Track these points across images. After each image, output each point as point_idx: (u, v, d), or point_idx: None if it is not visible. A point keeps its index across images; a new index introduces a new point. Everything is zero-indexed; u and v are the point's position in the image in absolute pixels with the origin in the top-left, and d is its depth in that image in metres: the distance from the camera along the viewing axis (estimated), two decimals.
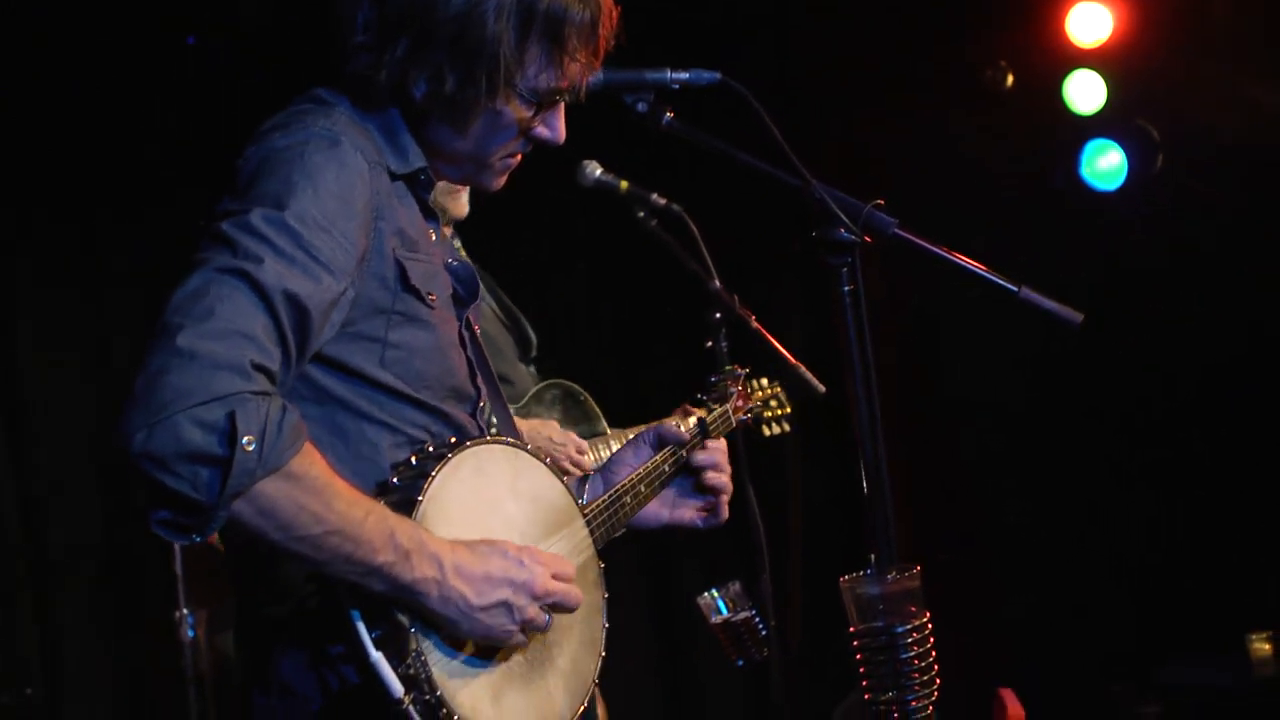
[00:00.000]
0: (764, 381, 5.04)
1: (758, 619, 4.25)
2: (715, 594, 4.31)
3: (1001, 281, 2.73)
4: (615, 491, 2.92)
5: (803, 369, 4.32)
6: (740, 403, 3.34)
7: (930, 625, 2.61)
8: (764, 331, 4.26)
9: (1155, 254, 6.92)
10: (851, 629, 2.65)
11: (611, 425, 4.85)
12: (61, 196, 5.55)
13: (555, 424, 4.47)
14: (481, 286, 4.58)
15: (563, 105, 2.67)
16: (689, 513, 3.10)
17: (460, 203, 4.31)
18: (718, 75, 2.74)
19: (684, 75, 2.74)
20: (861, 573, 2.64)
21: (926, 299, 7.25)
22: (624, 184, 4.32)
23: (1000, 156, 7.05)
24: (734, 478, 4.01)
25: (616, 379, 6.51)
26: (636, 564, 6.86)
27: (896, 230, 2.72)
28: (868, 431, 2.66)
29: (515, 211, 4.78)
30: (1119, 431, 7.25)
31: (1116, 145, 7.05)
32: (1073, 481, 7.25)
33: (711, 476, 3.10)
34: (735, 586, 4.30)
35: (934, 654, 2.61)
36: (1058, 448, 7.27)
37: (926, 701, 2.59)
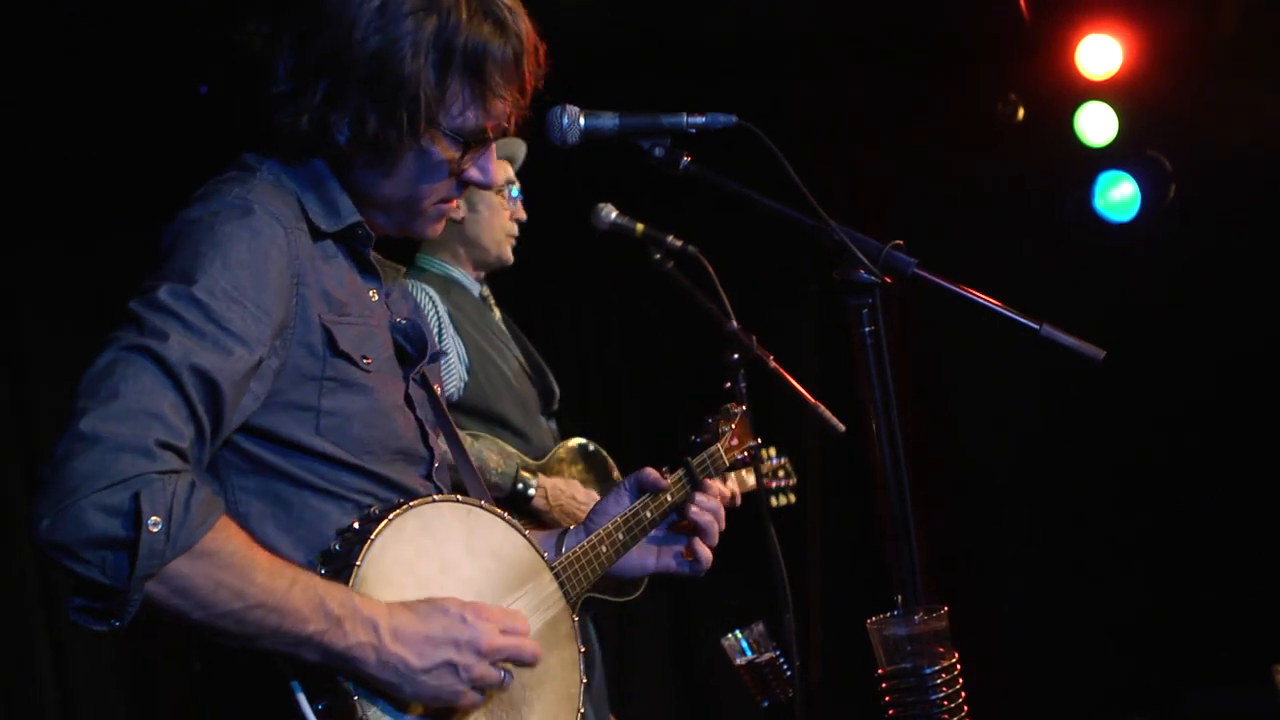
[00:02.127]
0: (772, 452, 5.06)
1: (782, 659, 4.22)
2: (739, 635, 4.29)
3: (1022, 319, 2.72)
4: (590, 541, 2.83)
5: (822, 408, 4.33)
6: (734, 441, 3.26)
7: (959, 665, 2.60)
8: (782, 371, 4.26)
9: (1171, 282, 6.90)
10: (880, 670, 2.63)
11: None
12: (80, 233, 5.54)
13: (578, 484, 4.45)
14: (503, 337, 4.66)
15: (493, 146, 2.63)
16: (672, 560, 3.01)
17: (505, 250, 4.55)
18: (734, 118, 2.72)
19: (700, 120, 2.72)
20: (888, 614, 2.62)
21: (938, 335, 7.25)
22: (639, 226, 4.33)
23: (1013, 190, 7.07)
24: (759, 519, 4.06)
25: (635, 427, 6.50)
26: (660, 610, 6.85)
27: (916, 270, 2.71)
28: (891, 472, 2.64)
29: (531, 258, 4.79)
30: (1139, 459, 7.22)
31: (1129, 176, 7.06)
32: (1090, 511, 7.23)
33: (696, 514, 3.00)
34: (759, 628, 4.28)
35: (963, 694, 2.59)
36: (1075, 476, 7.26)
37: None
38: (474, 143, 2.55)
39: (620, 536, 2.89)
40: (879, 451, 2.65)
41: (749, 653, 4.28)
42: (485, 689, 2.40)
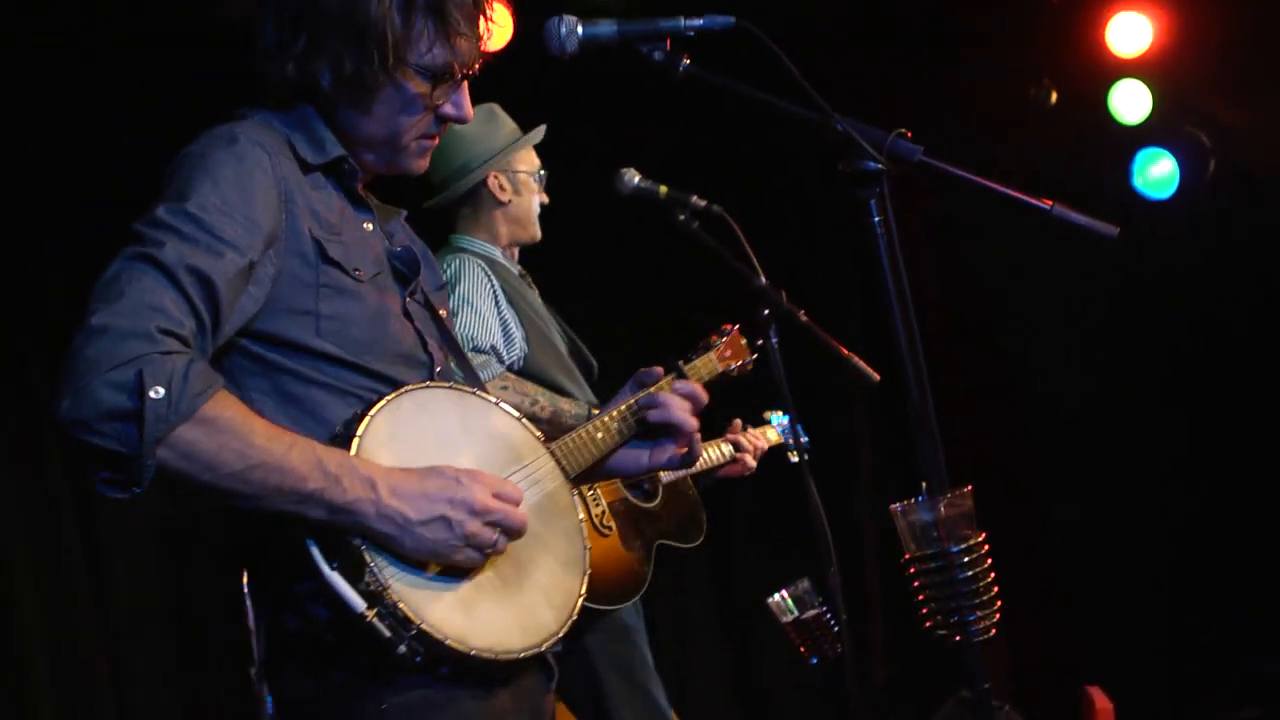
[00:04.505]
0: (778, 413, 5.15)
1: (828, 614, 4.19)
2: (784, 594, 4.27)
3: (1032, 201, 2.71)
4: (587, 427, 2.97)
5: (855, 359, 4.31)
6: (727, 353, 3.39)
7: (986, 545, 2.57)
8: (813, 325, 4.24)
9: (1215, 257, 6.85)
10: (906, 556, 2.61)
11: None
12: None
13: None
14: (535, 297, 4.74)
15: (466, 84, 2.83)
16: (664, 456, 3.06)
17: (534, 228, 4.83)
18: (732, 20, 2.73)
19: (698, 22, 2.74)
20: (913, 499, 2.60)
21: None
22: (663, 188, 4.33)
23: (1051, 173, 7.01)
24: (797, 472, 4.04)
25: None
26: (704, 575, 6.86)
27: (922, 157, 2.71)
28: (909, 360, 2.62)
29: (558, 231, 4.86)
30: (1199, 415, 7.16)
31: (1167, 153, 7.01)
32: (1150, 472, 7.17)
33: (667, 402, 3.00)
34: (804, 584, 4.26)
35: (992, 574, 2.56)
36: (1135, 436, 7.21)
37: (988, 622, 2.54)
38: (442, 78, 2.77)
39: (615, 425, 3.00)
40: (896, 339, 2.64)
41: (794, 610, 4.25)
42: (479, 548, 2.53)
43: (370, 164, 2.85)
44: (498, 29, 6.27)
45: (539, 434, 2.84)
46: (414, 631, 2.40)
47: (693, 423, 3.02)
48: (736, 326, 3.51)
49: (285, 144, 2.71)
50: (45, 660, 5.27)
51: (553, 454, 2.85)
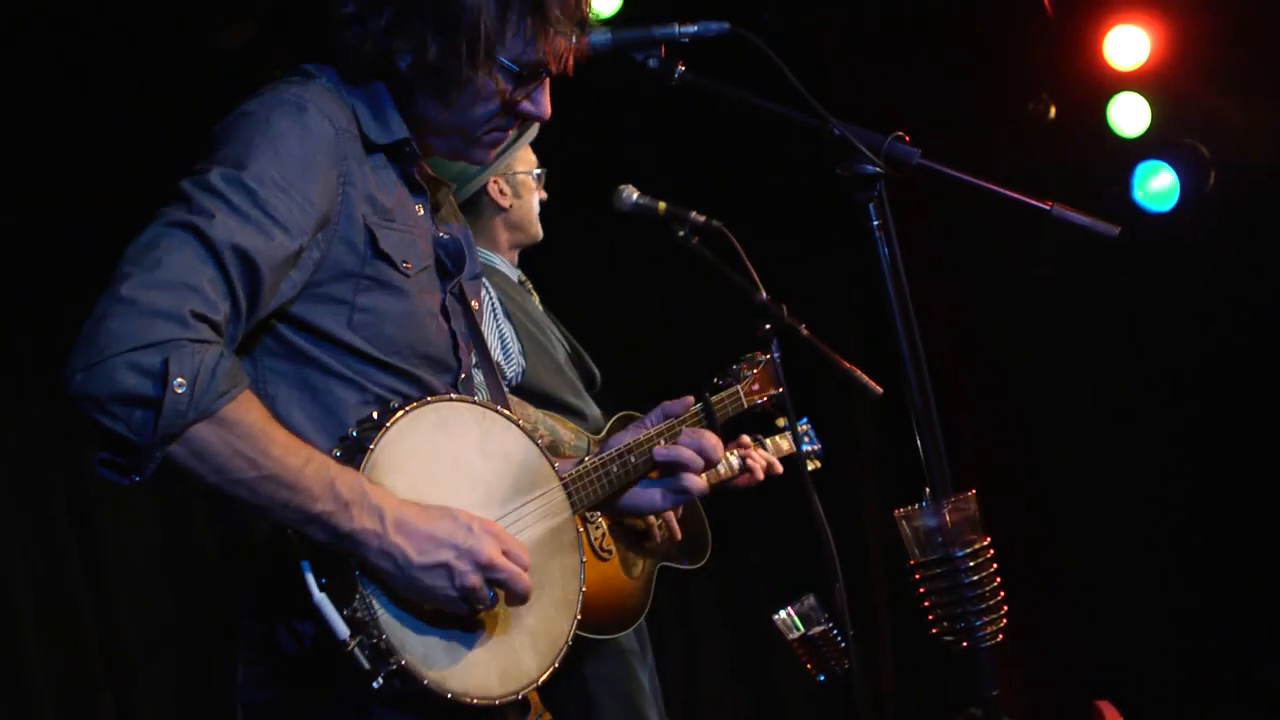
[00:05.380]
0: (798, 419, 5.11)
1: (835, 631, 4.15)
2: (790, 611, 4.23)
3: (1032, 201, 2.70)
4: (602, 458, 2.88)
5: (858, 372, 4.30)
6: (756, 386, 3.32)
7: (992, 550, 2.54)
8: (815, 339, 4.23)
9: (1213, 269, 6.83)
10: (911, 562, 2.58)
11: None
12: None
13: None
14: (549, 321, 4.70)
15: (548, 81, 2.69)
16: (673, 497, 3.01)
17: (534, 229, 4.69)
18: (726, 25, 2.72)
19: (692, 28, 2.72)
20: (917, 505, 2.57)
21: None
22: (661, 204, 4.31)
23: (1051, 187, 6.98)
24: (801, 488, 4.01)
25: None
26: (711, 596, 6.82)
27: (920, 160, 2.69)
28: (910, 361, 2.60)
29: (560, 242, 4.83)
30: (1207, 413, 7.12)
31: (1167, 165, 6.99)
32: (1158, 481, 7.13)
33: (683, 442, 2.96)
34: (809, 600, 4.21)
35: (998, 579, 2.53)
36: (1142, 444, 7.17)
37: (995, 627, 2.51)
38: (530, 77, 2.63)
39: (631, 459, 2.92)
40: (898, 340, 2.61)
41: (801, 627, 4.21)
42: (473, 603, 2.44)
43: (435, 149, 2.74)
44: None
45: (555, 462, 2.76)
46: (393, 667, 2.35)
47: (701, 484, 2.98)
48: (769, 357, 3.42)
49: (352, 118, 2.56)
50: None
51: (565, 486, 2.76)
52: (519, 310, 4.56)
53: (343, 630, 2.33)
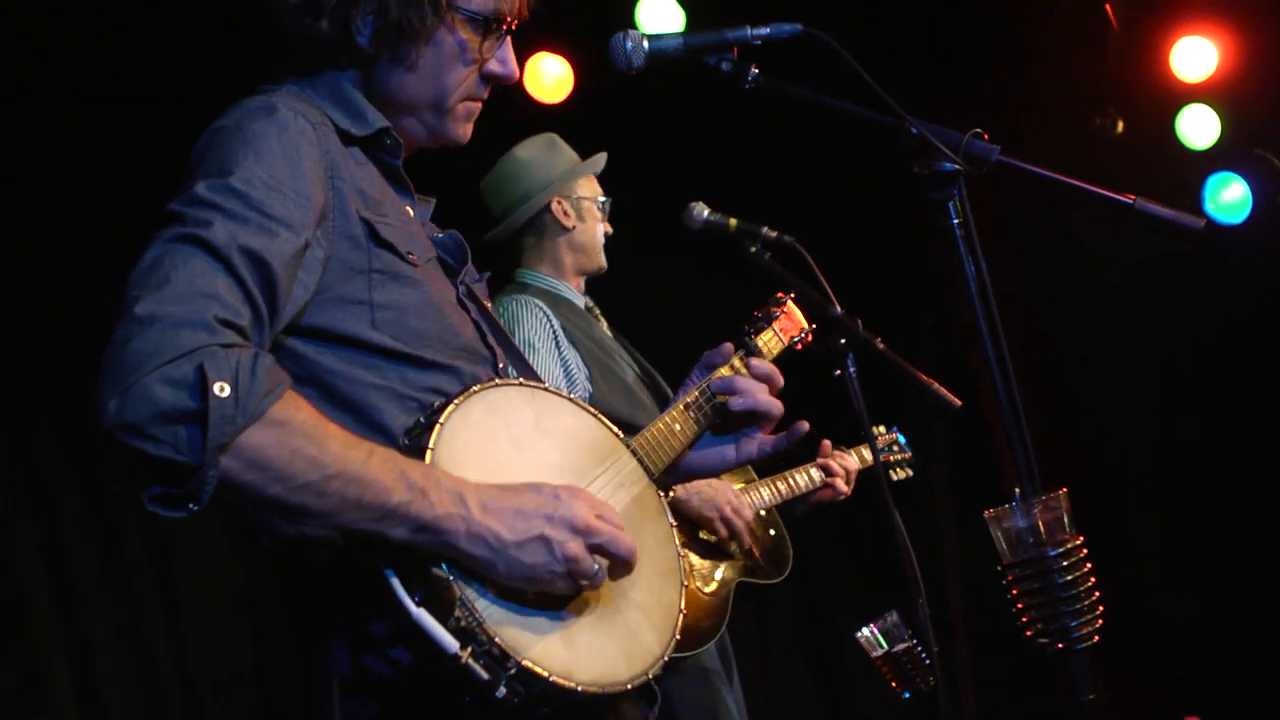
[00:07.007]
0: (881, 429, 5.08)
1: (918, 647, 4.10)
2: (873, 628, 4.18)
3: (1114, 195, 2.66)
4: (664, 420, 2.76)
5: (936, 385, 4.27)
6: (788, 323, 3.25)
7: (1084, 549, 2.49)
8: (891, 353, 4.19)
9: None
10: (1002, 564, 2.53)
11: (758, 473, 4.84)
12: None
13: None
14: (617, 342, 4.69)
15: (510, 40, 2.64)
16: (754, 447, 2.89)
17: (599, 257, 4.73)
18: (799, 26, 2.69)
19: (765, 30, 2.70)
20: (1007, 505, 2.52)
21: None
22: (733, 221, 4.29)
23: None
24: (881, 503, 3.96)
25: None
26: (790, 617, 6.77)
27: (1000, 157, 2.66)
28: (995, 363, 2.55)
29: (627, 265, 4.82)
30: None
31: (1238, 177, 6.91)
32: (1238, 495, 7.03)
33: (754, 401, 2.84)
34: (892, 617, 4.17)
35: (1092, 579, 2.47)
36: (1217, 455, 7.07)
37: (1090, 629, 2.45)
38: (491, 27, 2.58)
39: (691, 414, 2.82)
40: (981, 342, 2.57)
41: (884, 644, 4.16)
42: (578, 576, 2.25)
43: (413, 133, 2.62)
44: (559, 79, 6.28)
45: (617, 430, 2.60)
46: (514, 670, 2.13)
47: (778, 406, 2.84)
48: (791, 295, 3.37)
49: (323, 115, 2.45)
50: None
51: (634, 452, 2.60)
52: (584, 336, 4.56)
53: (451, 644, 2.12)
